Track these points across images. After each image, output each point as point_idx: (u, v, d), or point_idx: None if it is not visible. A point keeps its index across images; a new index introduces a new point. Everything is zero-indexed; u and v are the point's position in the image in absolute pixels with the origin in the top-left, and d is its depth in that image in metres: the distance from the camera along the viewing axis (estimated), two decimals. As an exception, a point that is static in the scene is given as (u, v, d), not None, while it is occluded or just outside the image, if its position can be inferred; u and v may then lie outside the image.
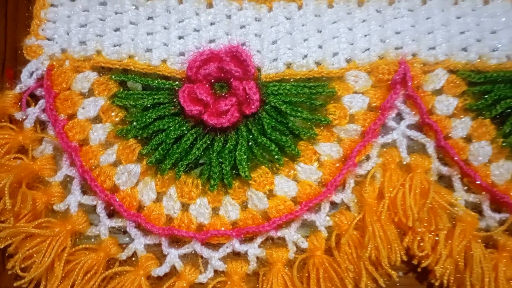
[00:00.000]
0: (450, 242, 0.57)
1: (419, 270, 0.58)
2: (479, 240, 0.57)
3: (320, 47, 0.64)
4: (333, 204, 0.60)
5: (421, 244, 0.57)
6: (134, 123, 0.60)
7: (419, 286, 0.59)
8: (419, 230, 0.56)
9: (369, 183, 0.59)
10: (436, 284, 0.57)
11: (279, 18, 0.64)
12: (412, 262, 0.58)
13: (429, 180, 0.58)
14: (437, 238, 0.57)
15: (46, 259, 0.55)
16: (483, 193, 0.59)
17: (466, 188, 0.60)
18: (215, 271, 0.58)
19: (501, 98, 0.60)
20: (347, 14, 0.65)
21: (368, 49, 0.63)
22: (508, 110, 0.60)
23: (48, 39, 0.64)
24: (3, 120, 0.61)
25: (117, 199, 0.58)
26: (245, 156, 0.59)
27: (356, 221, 0.57)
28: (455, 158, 0.59)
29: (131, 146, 0.60)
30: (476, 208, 0.59)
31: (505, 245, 0.57)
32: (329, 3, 0.65)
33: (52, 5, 0.65)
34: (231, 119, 0.59)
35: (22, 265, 0.56)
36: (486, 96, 0.61)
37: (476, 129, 0.60)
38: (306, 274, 0.57)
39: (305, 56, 0.63)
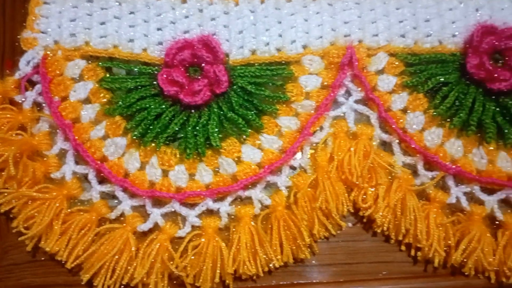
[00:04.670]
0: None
1: (364, 220, 0.68)
2: (414, 194, 0.66)
3: (280, 35, 0.73)
4: (292, 168, 0.69)
5: (365, 197, 0.66)
6: (120, 102, 0.69)
7: (365, 234, 0.69)
8: (362, 185, 0.66)
9: (321, 149, 0.68)
10: (378, 231, 0.67)
11: (244, 11, 0.74)
12: (359, 213, 0.67)
13: (371, 145, 0.68)
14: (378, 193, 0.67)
15: (46, 218, 0.63)
16: (418, 155, 0.68)
17: (403, 152, 0.69)
18: (192, 226, 0.67)
19: (432, 76, 0.70)
20: (303, 7, 0.74)
21: (321, 36, 0.73)
22: (438, 85, 0.70)
23: (42, 32, 0.72)
24: (4, 102, 0.69)
25: (106, 167, 0.67)
26: (216, 129, 0.68)
27: (310, 180, 0.67)
28: (394, 127, 0.69)
29: (117, 122, 0.69)
30: (412, 169, 0.69)
31: (435, 197, 0.67)
32: (287, -3, 0.75)
33: (45, 3, 0.73)
34: (203, 97, 0.69)
35: (25, 225, 0.64)
36: (420, 74, 0.71)
37: (412, 102, 0.70)
38: (270, 226, 0.66)
39: (267, 43, 0.73)
